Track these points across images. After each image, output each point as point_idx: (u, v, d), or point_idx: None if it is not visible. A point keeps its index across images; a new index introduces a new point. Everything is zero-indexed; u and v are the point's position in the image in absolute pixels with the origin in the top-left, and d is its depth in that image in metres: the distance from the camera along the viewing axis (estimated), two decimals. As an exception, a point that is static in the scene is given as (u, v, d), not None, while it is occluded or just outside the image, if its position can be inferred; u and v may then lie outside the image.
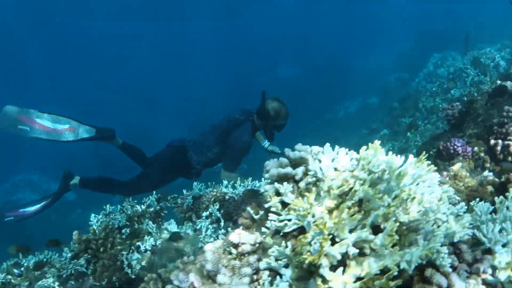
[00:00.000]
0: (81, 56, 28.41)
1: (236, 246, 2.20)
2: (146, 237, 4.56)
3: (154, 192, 4.78)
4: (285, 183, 2.17)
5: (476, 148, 3.40)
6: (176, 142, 5.53)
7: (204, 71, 27.37)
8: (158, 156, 5.58)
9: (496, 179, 2.51)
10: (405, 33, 23.63)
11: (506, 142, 3.33)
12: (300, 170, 2.24)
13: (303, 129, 18.02)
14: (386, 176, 1.91)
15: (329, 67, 22.41)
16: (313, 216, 1.90)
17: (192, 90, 25.16)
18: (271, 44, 28.46)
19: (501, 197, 1.97)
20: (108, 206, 4.87)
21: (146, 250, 4.70)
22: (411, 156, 2.05)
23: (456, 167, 2.96)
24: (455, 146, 3.31)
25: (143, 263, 4.66)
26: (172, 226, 5.02)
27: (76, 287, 3.71)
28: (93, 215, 4.76)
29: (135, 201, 5.06)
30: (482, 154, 3.39)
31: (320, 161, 2.20)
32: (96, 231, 4.13)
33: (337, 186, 1.95)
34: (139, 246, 4.70)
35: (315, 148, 2.33)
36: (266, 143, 5.53)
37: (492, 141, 3.40)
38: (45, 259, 4.34)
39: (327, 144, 2.33)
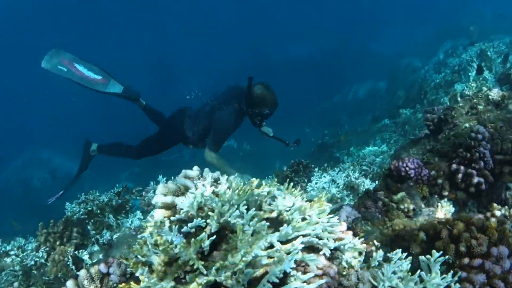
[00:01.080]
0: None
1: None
2: (104, 231, 4.38)
3: (116, 185, 4.96)
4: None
5: (433, 172, 3.01)
6: (178, 111, 5.77)
7: (221, 45, 26.94)
8: (165, 122, 5.87)
9: (438, 225, 2.11)
10: (426, 16, 22.85)
11: (469, 171, 2.94)
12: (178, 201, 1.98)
13: (310, 111, 17.62)
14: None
15: (343, 48, 21.80)
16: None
17: (210, 64, 24.81)
18: (286, 22, 27.83)
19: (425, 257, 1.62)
20: (82, 194, 4.92)
21: (104, 244, 4.53)
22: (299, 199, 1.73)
23: (398, 196, 2.60)
24: (407, 169, 2.92)
25: (101, 256, 4.50)
26: (135, 220, 4.82)
27: (37, 276, 3.66)
28: (67, 203, 4.82)
29: (98, 193, 4.86)
30: (439, 181, 3.00)
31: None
32: (56, 224, 4.08)
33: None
34: (98, 239, 4.53)
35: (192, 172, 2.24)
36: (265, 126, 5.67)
37: (454, 166, 3.01)
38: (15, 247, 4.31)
39: (206, 170, 2.25)
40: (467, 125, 3.46)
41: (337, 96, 17.95)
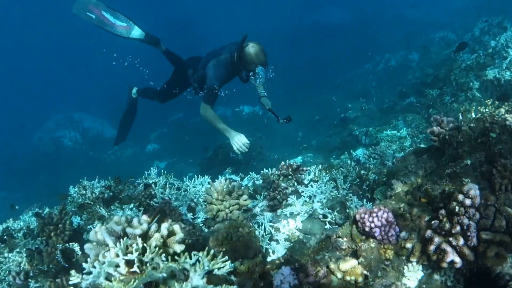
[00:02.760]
0: None
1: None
2: (96, 222, 4.24)
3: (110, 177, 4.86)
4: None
5: (404, 234, 2.34)
6: (189, 59, 6.11)
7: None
8: (178, 66, 6.19)
9: None
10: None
11: (443, 247, 2.25)
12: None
13: (340, 79, 16.73)
14: None
15: (378, 14, 20.49)
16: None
17: (241, 26, 24.01)
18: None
19: None
20: (84, 179, 4.70)
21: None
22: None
23: (347, 265, 1.99)
24: (372, 225, 2.27)
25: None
26: (127, 211, 4.65)
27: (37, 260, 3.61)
28: (71, 187, 4.69)
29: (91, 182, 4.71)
30: (409, 245, 2.33)
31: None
32: (53, 214, 3.97)
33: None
34: (91, 229, 4.14)
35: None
36: (261, 93, 5.88)
37: (429, 233, 2.32)
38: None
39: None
40: (468, 162, 2.73)
41: (368, 65, 16.91)
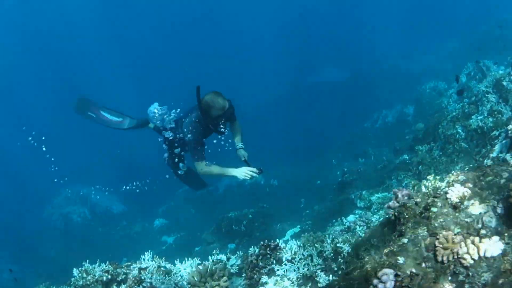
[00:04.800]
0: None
1: None
2: None
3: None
4: None
5: None
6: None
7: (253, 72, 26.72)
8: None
9: None
10: (458, 28, 21.61)
11: None
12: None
13: (339, 140, 16.90)
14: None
15: (374, 69, 20.87)
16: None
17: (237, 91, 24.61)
18: (318, 46, 27.17)
19: None
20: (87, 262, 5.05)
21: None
22: None
23: None
24: None
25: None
26: None
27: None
28: (75, 269, 5.00)
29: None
30: None
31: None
32: None
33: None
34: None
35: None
36: (238, 145, 6.26)
37: None
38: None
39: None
40: (405, 240, 2.81)
41: (367, 123, 17.12)
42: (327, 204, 10.48)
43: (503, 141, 4.81)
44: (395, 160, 10.26)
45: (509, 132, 4.49)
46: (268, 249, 4.63)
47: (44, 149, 7.16)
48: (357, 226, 6.18)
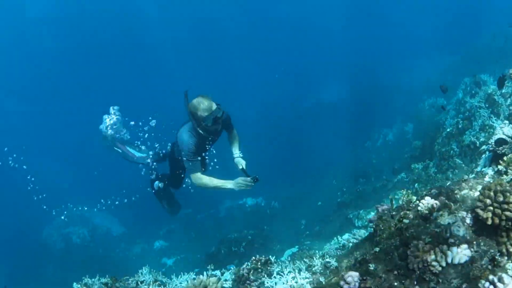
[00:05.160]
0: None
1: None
2: None
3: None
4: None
5: None
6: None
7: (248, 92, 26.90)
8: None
9: None
10: (461, 41, 21.61)
11: None
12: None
13: (340, 160, 16.95)
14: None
15: (374, 88, 20.95)
16: None
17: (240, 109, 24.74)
18: (317, 64, 27.34)
19: None
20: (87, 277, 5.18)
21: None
22: None
23: None
24: None
25: None
26: None
27: None
28: (74, 283, 5.09)
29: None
30: None
31: None
32: None
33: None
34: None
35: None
36: (236, 153, 6.27)
37: None
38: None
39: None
40: (377, 249, 2.93)
41: (368, 142, 17.21)
42: (328, 225, 10.54)
43: (487, 155, 4.93)
44: (394, 179, 10.34)
45: (490, 146, 4.62)
46: (259, 263, 4.75)
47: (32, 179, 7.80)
48: (350, 243, 6.25)
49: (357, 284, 2.61)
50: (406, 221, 3.08)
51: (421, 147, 10.02)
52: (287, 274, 4.45)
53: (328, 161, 17.23)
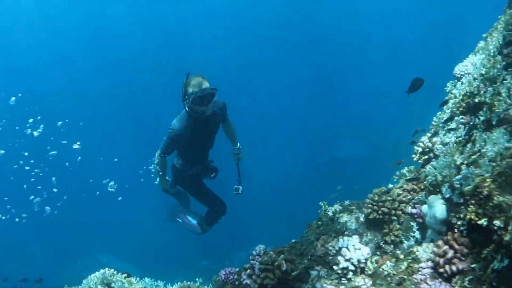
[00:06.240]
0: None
1: None
2: None
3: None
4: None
5: None
6: None
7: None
8: None
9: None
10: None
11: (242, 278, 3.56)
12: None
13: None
14: None
15: (384, 140, 21.48)
16: None
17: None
18: (335, 120, 27.59)
19: None
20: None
21: None
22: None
23: None
24: None
25: None
26: None
27: None
28: None
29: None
30: None
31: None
32: None
33: None
34: None
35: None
36: (234, 149, 6.33)
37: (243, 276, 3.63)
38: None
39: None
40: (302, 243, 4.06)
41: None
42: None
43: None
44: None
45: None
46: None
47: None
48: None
49: (262, 252, 3.73)
50: (319, 222, 4.24)
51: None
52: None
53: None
